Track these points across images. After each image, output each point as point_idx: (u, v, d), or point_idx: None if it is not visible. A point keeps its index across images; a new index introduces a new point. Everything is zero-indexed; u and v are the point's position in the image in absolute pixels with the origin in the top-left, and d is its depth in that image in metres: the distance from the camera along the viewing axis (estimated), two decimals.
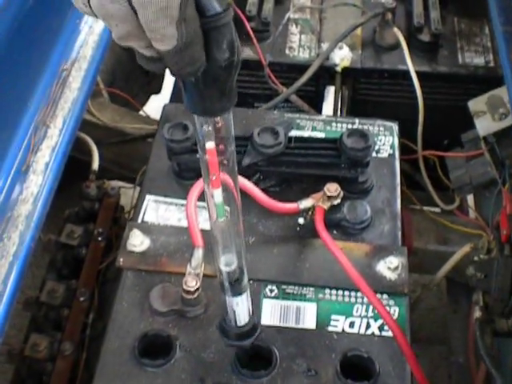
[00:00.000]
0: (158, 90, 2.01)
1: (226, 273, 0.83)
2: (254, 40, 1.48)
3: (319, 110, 1.57)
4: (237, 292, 0.84)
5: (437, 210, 1.57)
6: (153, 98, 2.02)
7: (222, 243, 0.80)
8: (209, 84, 0.60)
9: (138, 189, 1.34)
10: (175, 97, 1.70)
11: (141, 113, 1.81)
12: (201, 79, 0.59)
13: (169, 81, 2.02)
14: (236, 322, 0.89)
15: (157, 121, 1.41)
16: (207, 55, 0.57)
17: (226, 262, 0.81)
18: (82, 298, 1.25)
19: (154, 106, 1.86)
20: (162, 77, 2.02)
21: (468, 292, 1.36)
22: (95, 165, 1.48)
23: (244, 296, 0.85)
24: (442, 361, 1.55)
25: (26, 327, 1.27)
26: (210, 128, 0.65)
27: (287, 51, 1.52)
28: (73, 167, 1.48)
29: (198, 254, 1.03)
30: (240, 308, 0.86)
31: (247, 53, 1.50)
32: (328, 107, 1.64)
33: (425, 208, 1.52)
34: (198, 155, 0.70)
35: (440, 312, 1.89)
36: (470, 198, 1.56)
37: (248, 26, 1.49)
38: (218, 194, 0.72)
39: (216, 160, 0.68)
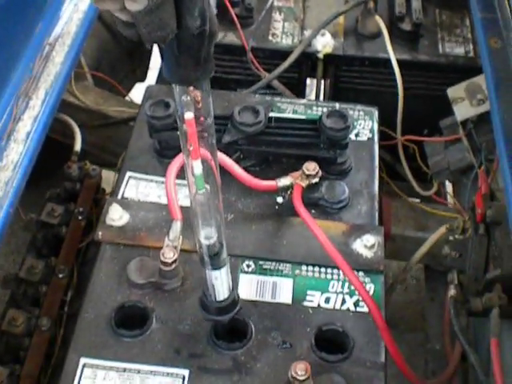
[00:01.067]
0: (142, 78, 2.01)
1: (205, 246, 0.83)
2: (238, 26, 1.50)
3: (301, 97, 1.58)
4: (216, 266, 0.85)
5: (416, 200, 1.58)
6: (137, 85, 2.02)
7: (202, 216, 0.80)
8: (183, 52, 0.61)
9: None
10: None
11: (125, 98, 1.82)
12: (175, 46, 0.61)
13: (154, 69, 2.03)
14: (215, 297, 0.90)
15: (140, 104, 1.42)
16: (180, 23, 0.59)
17: (206, 236, 0.82)
18: (60, 275, 1.25)
19: (138, 94, 1.87)
20: (146, 65, 2.03)
21: (446, 280, 1.38)
22: (77, 146, 1.48)
23: (223, 270, 0.86)
24: (418, 348, 1.57)
25: (5, 303, 1.27)
26: (188, 98, 0.67)
27: (270, 37, 1.53)
28: (56, 150, 1.49)
29: (176, 226, 1.04)
30: (219, 282, 0.87)
31: (230, 38, 1.52)
32: (310, 96, 1.66)
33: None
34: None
35: (419, 305, 1.91)
36: (449, 186, 1.58)
37: (232, 11, 1.51)
38: (197, 165, 0.72)
39: (195, 130, 0.69)
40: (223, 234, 0.84)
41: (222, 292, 0.90)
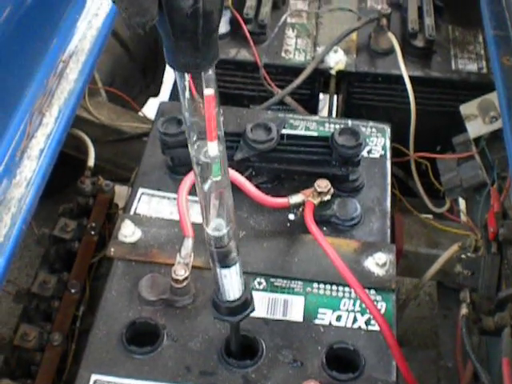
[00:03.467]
0: (156, 93, 2.03)
1: (213, 238, 0.80)
2: (251, 42, 1.50)
3: (314, 113, 1.59)
4: (224, 264, 0.83)
5: (429, 216, 1.58)
6: (151, 100, 2.04)
7: (213, 205, 0.77)
8: (179, 36, 0.59)
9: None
10: (173, 99, 1.72)
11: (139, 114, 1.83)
12: (170, 31, 0.59)
13: (167, 85, 2.04)
14: (225, 296, 0.87)
15: (153, 120, 1.43)
16: (171, 4, 0.57)
17: (216, 227, 0.79)
18: (73, 290, 1.26)
19: (152, 109, 1.88)
20: (160, 80, 2.04)
21: (458, 297, 1.37)
22: (91, 161, 1.49)
23: (232, 269, 0.84)
24: (430, 365, 1.56)
25: (17, 318, 1.27)
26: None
27: (283, 54, 1.54)
28: (69, 166, 1.51)
29: (188, 243, 1.05)
30: (228, 281, 0.85)
31: (243, 54, 1.52)
32: (323, 112, 1.66)
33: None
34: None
35: (431, 322, 1.90)
36: (462, 203, 1.57)
37: (245, 28, 1.51)
38: (212, 148, 0.68)
39: (213, 109, 0.65)
40: (235, 233, 0.81)
41: (232, 292, 0.87)
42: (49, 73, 1.12)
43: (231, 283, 0.86)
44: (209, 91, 0.64)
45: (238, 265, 0.84)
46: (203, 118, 0.66)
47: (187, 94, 0.65)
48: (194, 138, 0.69)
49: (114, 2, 0.56)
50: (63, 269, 1.32)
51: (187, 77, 0.63)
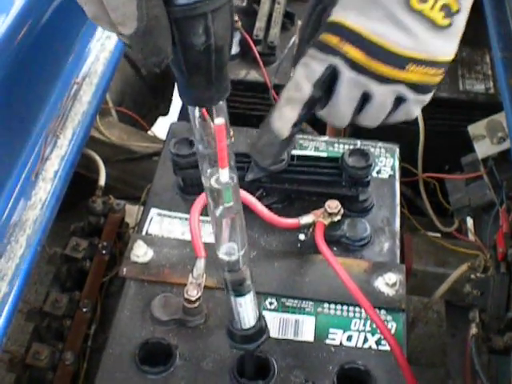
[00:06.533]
0: (165, 112, 2.04)
1: (226, 262, 0.81)
2: (261, 63, 1.52)
3: (322, 134, 1.60)
4: (240, 292, 0.84)
5: (437, 235, 1.59)
6: (160, 119, 2.06)
7: (226, 232, 0.78)
8: (192, 71, 0.60)
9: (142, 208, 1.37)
10: (183, 119, 1.73)
11: (148, 133, 1.85)
12: (184, 67, 0.60)
13: (176, 104, 2.06)
14: (241, 325, 0.88)
15: (163, 140, 1.44)
16: (184, 43, 0.58)
17: (228, 251, 0.80)
18: (84, 309, 1.27)
19: (161, 127, 1.90)
20: (169, 99, 2.06)
21: (467, 316, 1.38)
22: (102, 180, 1.51)
23: (247, 297, 0.85)
24: None
25: (29, 337, 1.28)
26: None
27: (292, 75, 1.55)
28: (80, 185, 1.52)
29: (200, 264, 1.06)
30: (243, 309, 0.86)
31: (253, 75, 1.54)
32: None
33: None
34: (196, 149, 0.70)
35: (440, 339, 1.90)
36: (470, 222, 1.58)
37: (255, 49, 1.53)
38: (224, 175, 0.70)
39: (224, 136, 0.66)
40: (248, 259, 0.82)
41: (247, 320, 0.89)
42: (63, 95, 1.14)
43: (246, 311, 0.87)
44: (219, 120, 0.66)
45: (252, 292, 0.85)
46: (215, 146, 0.67)
47: (198, 124, 0.67)
48: (206, 165, 0.71)
49: (127, 45, 0.57)
50: (75, 287, 1.34)
51: (198, 110, 0.65)
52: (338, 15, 0.76)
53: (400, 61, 0.75)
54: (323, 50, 0.77)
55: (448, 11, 0.74)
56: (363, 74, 0.76)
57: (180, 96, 0.64)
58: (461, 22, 0.75)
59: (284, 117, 0.80)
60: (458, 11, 0.74)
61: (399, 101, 0.79)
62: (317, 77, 0.77)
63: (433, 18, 0.73)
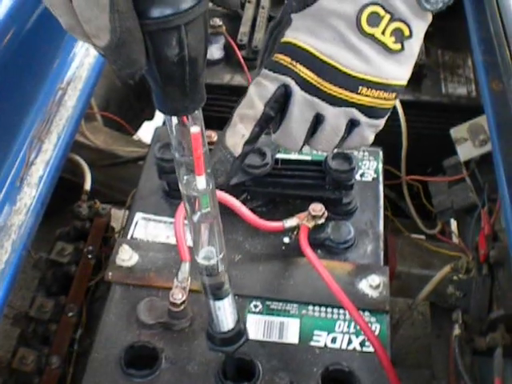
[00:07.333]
0: (151, 117, 2.05)
1: (204, 267, 0.81)
2: (245, 68, 1.53)
3: None
4: (218, 296, 0.85)
5: (421, 237, 1.60)
6: (145, 123, 2.06)
7: (204, 236, 0.79)
8: (167, 82, 0.61)
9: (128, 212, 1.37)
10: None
11: (134, 137, 1.85)
12: (159, 78, 0.60)
13: None
14: (220, 328, 0.89)
15: (148, 144, 1.45)
16: (158, 55, 0.58)
17: (206, 256, 0.81)
18: (70, 314, 1.27)
19: (146, 132, 1.90)
20: (154, 104, 2.05)
21: (451, 317, 1.39)
22: (87, 185, 1.51)
23: (226, 301, 0.86)
24: None
25: (15, 342, 1.28)
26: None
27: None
28: (65, 189, 1.52)
29: (185, 267, 1.06)
30: (222, 313, 0.87)
31: (238, 80, 1.55)
32: None
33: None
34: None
35: (425, 340, 1.91)
36: (454, 224, 1.59)
37: (239, 54, 1.54)
38: (201, 181, 0.71)
39: (200, 144, 0.67)
40: (226, 263, 0.83)
41: (226, 323, 0.89)
42: (47, 100, 1.14)
43: (225, 314, 0.88)
44: (195, 129, 0.66)
45: (230, 296, 0.86)
46: (191, 154, 0.68)
47: (175, 132, 0.67)
48: (183, 172, 0.71)
49: (103, 56, 0.58)
50: (60, 292, 1.33)
51: (175, 119, 0.66)
52: (290, 36, 0.76)
53: (352, 83, 0.75)
54: (276, 69, 0.76)
55: (399, 36, 0.74)
56: (315, 94, 0.76)
57: (156, 106, 0.65)
58: (413, 46, 0.75)
59: (237, 134, 0.79)
60: (409, 36, 0.74)
61: (352, 124, 0.78)
62: (269, 96, 0.77)
63: (384, 41, 0.73)
